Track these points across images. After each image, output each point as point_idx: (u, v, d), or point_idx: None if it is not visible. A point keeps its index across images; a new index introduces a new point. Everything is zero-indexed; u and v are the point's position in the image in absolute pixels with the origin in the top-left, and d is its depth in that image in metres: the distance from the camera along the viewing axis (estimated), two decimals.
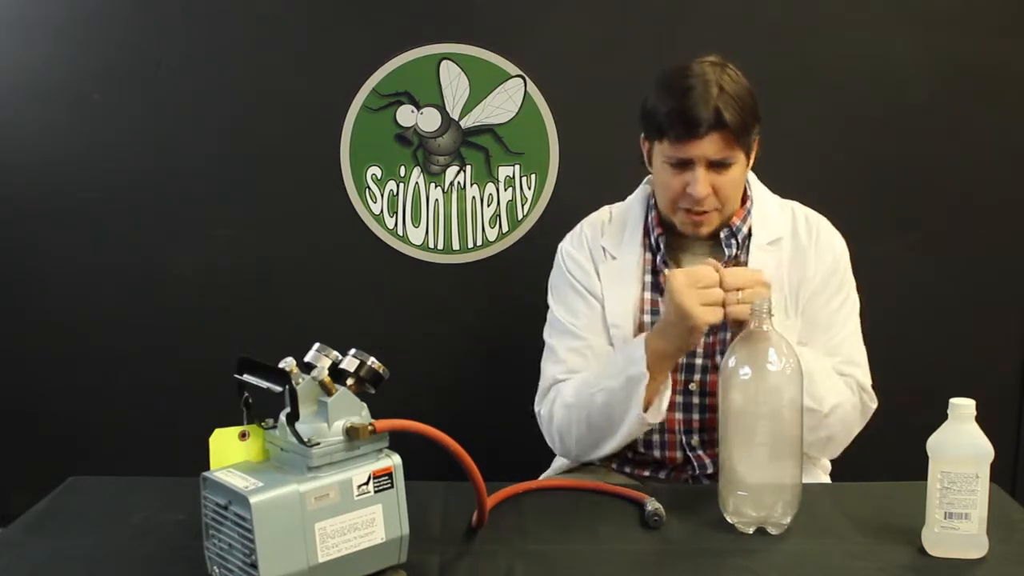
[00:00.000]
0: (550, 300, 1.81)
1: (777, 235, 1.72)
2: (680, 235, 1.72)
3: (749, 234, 1.71)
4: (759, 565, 1.25)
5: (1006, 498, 1.43)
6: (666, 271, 1.60)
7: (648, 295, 1.72)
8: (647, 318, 1.70)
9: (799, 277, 1.70)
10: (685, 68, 1.60)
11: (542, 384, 1.76)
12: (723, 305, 1.47)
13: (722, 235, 1.69)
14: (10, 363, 2.41)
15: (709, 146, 1.57)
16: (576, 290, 1.76)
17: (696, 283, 1.49)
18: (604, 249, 1.76)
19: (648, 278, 1.73)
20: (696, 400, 1.69)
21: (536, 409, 1.77)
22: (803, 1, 2.26)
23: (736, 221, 1.70)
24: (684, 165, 1.61)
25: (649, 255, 1.74)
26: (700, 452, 1.70)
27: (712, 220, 1.66)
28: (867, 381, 1.69)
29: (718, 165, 1.60)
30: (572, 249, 1.80)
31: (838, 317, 1.69)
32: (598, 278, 1.75)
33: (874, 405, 1.69)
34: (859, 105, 2.28)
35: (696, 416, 1.69)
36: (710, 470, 1.69)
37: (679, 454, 1.71)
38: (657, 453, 1.72)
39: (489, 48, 2.28)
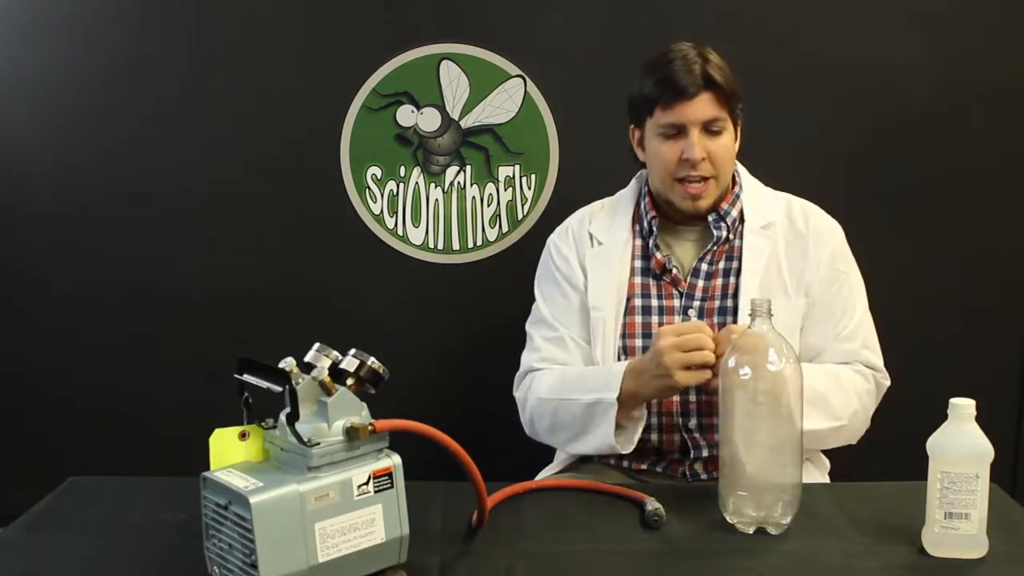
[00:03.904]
0: (535, 291, 1.86)
1: (770, 219, 1.76)
2: (670, 220, 1.77)
3: (741, 219, 1.76)
4: (759, 565, 1.24)
5: (1006, 498, 1.43)
6: (658, 329, 1.57)
7: (639, 279, 1.76)
8: (638, 302, 1.74)
9: (800, 265, 1.73)
10: (666, 48, 1.70)
11: (520, 370, 1.82)
12: (712, 369, 1.47)
13: (710, 219, 1.74)
14: (10, 363, 2.41)
15: (701, 106, 1.65)
16: (555, 280, 1.81)
17: (683, 346, 1.49)
18: (591, 235, 1.82)
19: (638, 263, 1.77)
20: None
21: (514, 393, 1.82)
22: (804, 1, 2.26)
23: (724, 205, 1.75)
24: (678, 133, 1.68)
25: (639, 241, 1.79)
26: (697, 435, 1.71)
27: (710, 191, 1.71)
28: (880, 361, 1.74)
29: (710, 132, 1.67)
30: (558, 240, 1.86)
31: (849, 302, 1.74)
32: (582, 267, 1.80)
33: (887, 383, 1.74)
34: (860, 105, 2.28)
35: (693, 398, 1.70)
36: (705, 453, 1.70)
37: (676, 437, 1.72)
38: (655, 437, 1.72)
39: (489, 48, 2.28)
